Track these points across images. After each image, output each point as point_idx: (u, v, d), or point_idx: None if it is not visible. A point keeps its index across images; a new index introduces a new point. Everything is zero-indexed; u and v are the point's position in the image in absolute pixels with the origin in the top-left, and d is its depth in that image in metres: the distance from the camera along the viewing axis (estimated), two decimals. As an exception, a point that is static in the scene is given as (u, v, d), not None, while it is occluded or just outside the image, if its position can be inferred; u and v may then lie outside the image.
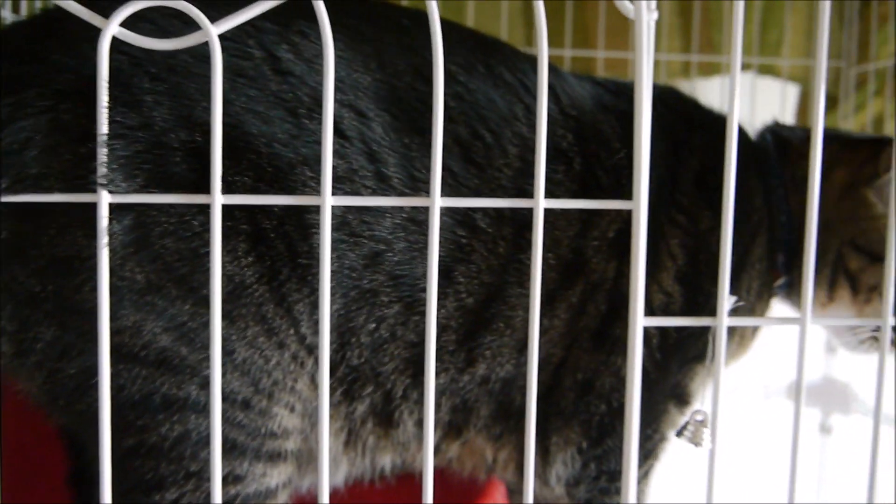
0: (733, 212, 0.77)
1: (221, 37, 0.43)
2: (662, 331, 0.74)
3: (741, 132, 0.86)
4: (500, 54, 0.73)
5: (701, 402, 0.79)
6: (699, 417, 0.58)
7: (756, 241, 0.81)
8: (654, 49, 1.53)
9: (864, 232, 0.84)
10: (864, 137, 0.93)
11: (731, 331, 0.80)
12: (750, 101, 1.46)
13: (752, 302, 0.82)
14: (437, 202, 0.49)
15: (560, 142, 0.72)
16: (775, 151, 0.86)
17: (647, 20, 0.52)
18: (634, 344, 0.52)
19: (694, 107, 0.85)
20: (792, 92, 1.48)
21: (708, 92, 1.57)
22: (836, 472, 1.58)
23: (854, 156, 0.85)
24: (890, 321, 0.58)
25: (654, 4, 0.52)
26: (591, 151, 0.72)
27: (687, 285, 0.74)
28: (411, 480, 0.91)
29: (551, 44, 1.39)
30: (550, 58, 1.49)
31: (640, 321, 0.53)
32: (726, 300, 0.54)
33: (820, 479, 1.61)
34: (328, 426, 0.49)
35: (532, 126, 0.70)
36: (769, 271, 0.84)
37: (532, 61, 0.75)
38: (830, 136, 0.85)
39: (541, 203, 0.50)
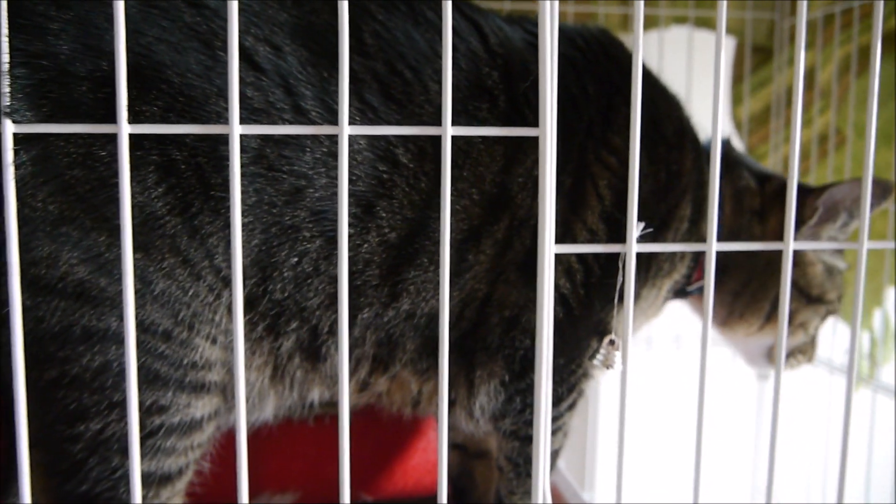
0: (668, 170, 0.80)
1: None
2: (586, 266, 0.76)
3: (693, 128, 0.88)
4: None
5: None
6: (611, 339, 0.60)
7: (684, 202, 0.83)
8: (593, 1, 1.53)
9: (803, 274, 0.91)
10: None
11: (653, 284, 0.83)
12: (687, 53, 1.48)
13: (674, 262, 0.84)
14: (346, 130, 0.50)
15: (485, 80, 0.72)
16: (721, 164, 0.89)
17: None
18: (544, 270, 0.53)
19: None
20: (728, 45, 1.50)
21: (646, 45, 1.59)
22: (786, 420, 1.64)
23: (780, 202, 0.89)
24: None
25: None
26: (518, 90, 0.72)
27: (612, 224, 0.76)
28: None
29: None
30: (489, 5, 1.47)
31: (550, 248, 0.54)
32: (634, 227, 0.55)
33: (758, 424, 1.67)
34: (243, 359, 0.50)
35: (454, 63, 0.70)
36: (693, 264, 0.87)
37: (460, 2, 0.75)
38: (765, 177, 0.90)
39: (448, 130, 0.51)
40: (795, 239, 0.89)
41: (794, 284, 0.92)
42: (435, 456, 0.94)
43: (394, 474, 1.01)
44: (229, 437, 0.74)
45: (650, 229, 0.60)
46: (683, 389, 1.63)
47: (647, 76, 0.87)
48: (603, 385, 1.68)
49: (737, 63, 1.53)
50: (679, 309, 1.18)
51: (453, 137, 0.69)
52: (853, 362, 0.64)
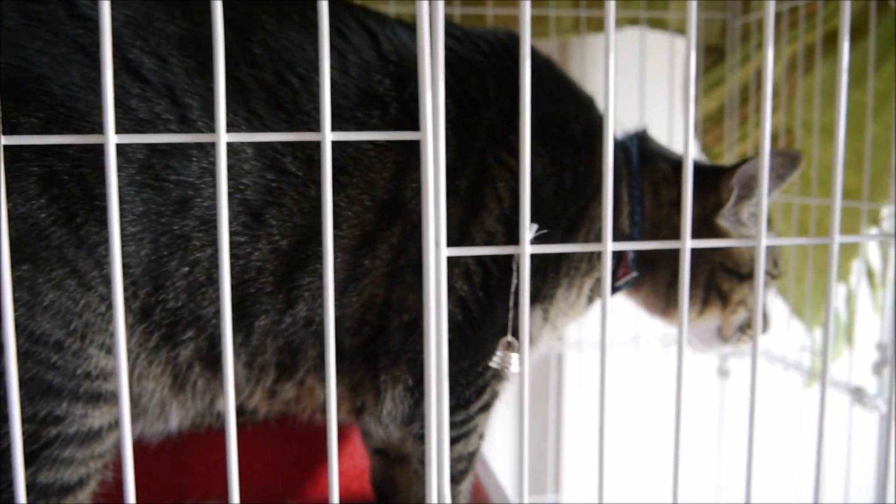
0: (575, 171, 0.80)
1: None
2: (485, 269, 0.76)
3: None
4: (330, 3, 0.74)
5: (542, 344, 0.83)
6: (507, 341, 0.60)
7: (596, 203, 0.83)
8: (544, 4, 1.53)
9: (730, 255, 0.90)
10: (704, 167, 0.97)
11: (571, 283, 0.83)
12: (640, 54, 1.48)
13: (593, 261, 0.85)
14: (223, 137, 0.50)
15: (377, 87, 0.72)
16: (638, 157, 0.89)
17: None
18: (430, 273, 0.53)
19: (545, 66, 0.87)
20: (680, 45, 1.51)
21: (598, 48, 1.60)
22: (735, 414, 1.65)
23: (698, 189, 0.89)
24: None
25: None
26: (411, 97, 0.73)
27: (511, 227, 0.76)
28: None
29: (508, 4, 1.40)
30: (508, 17, 1.47)
31: (441, 251, 0.55)
32: (527, 229, 0.55)
33: (720, 421, 1.67)
34: (126, 366, 0.50)
35: (343, 71, 0.71)
36: (617, 261, 0.88)
37: (356, 10, 0.76)
38: (679, 167, 0.90)
39: (327, 136, 0.51)
40: (722, 218, 0.91)
41: (723, 266, 0.92)
42: (363, 461, 0.94)
43: (320, 480, 1.01)
44: (133, 446, 0.74)
45: (544, 231, 0.60)
46: (644, 390, 1.63)
47: (556, 77, 0.88)
48: (569, 386, 1.68)
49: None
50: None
51: (343, 145, 0.70)
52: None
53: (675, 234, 0.88)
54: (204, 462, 0.93)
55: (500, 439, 1.64)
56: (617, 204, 0.87)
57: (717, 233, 0.91)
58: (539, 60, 0.87)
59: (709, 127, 1.55)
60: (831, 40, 1.26)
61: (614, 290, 0.92)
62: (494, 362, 0.59)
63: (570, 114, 0.83)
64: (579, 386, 1.66)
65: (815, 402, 1.35)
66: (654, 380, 1.59)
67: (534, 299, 0.80)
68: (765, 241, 0.60)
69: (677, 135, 1.47)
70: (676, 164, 0.92)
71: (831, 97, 1.26)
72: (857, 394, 1.20)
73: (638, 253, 0.90)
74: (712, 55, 1.50)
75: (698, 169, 0.93)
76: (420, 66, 0.52)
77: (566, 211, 0.80)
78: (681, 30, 1.49)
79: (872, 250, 1.20)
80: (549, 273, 0.80)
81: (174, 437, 0.79)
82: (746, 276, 0.93)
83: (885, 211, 1.14)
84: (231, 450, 0.52)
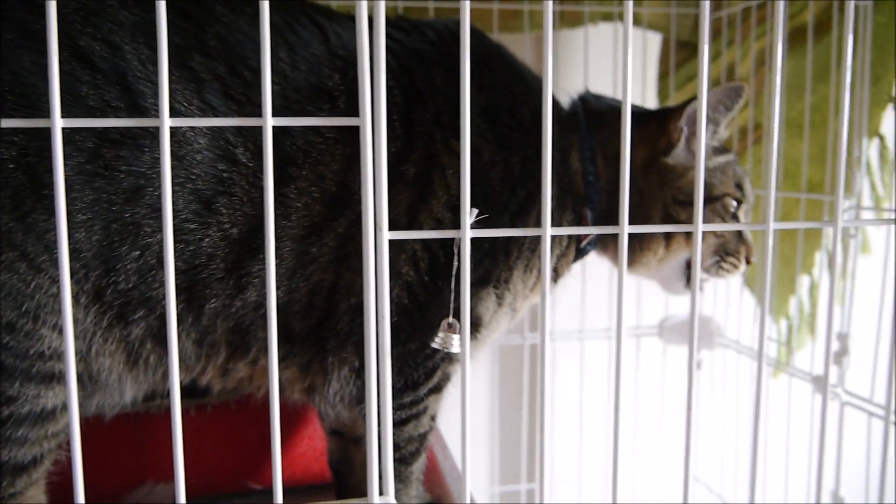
0: (524, 155, 0.82)
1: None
2: (432, 254, 0.78)
3: (553, 99, 0.91)
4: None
5: (492, 326, 0.84)
6: (448, 322, 0.61)
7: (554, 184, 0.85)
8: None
9: (680, 189, 0.92)
10: (650, 111, 0.99)
11: (527, 266, 0.85)
12: (612, 50, 1.50)
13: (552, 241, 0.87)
14: (167, 122, 0.51)
15: (326, 81, 0.74)
16: (585, 120, 0.91)
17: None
18: (370, 256, 0.55)
19: (494, 51, 0.89)
20: (653, 40, 1.53)
21: (572, 43, 1.61)
22: (708, 405, 1.67)
23: (646, 131, 0.91)
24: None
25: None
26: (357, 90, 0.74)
27: (459, 212, 0.77)
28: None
29: None
30: (449, 10, 1.48)
31: (384, 236, 0.56)
32: (468, 214, 0.57)
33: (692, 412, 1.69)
34: (73, 346, 0.51)
35: (294, 65, 0.73)
36: (572, 209, 0.89)
37: (308, 6, 0.77)
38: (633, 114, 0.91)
39: (269, 121, 0.53)
40: (671, 158, 0.92)
41: (675, 200, 0.92)
42: (322, 443, 0.96)
43: (281, 462, 1.02)
44: (89, 427, 0.76)
45: (485, 215, 0.62)
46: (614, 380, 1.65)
47: (505, 63, 0.89)
48: (559, 378, 1.70)
49: (663, 59, 1.55)
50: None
51: (294, 138, 0.72)
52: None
53: (632, 186, 0.90)
54: (164, 443, 0.95)
55: (474, 428, 1.66)
56: (568, 172, 0.89)
57: (667, 171, 0.93)
58: (488, 48, 0.88)
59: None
60: (797, 37, 1.28)
61: (581, 252, 0.94)
62: (436, 343, 0.61)
63: (518, 99, 0.84)
64: (552, 376, 1.68)
65: (780, 392, 1.37)
66: (628, 370, 1.61)
67: (485, 282, 0.82)
68: (701, 227, 0.62)
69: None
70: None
71: (797, 92, 1.28)
72: (819, 382, 1.22)
73: (597, 212, 0.91)
74: (684, 50, 1.51)
75: (645, 113, 0.94)
76: (359, 53, 0.53)
77: (515, 195, 0.82)
78: (654, 25, 1.51)
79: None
80: (499, 257, 0.82)
81: (133, 417, 0.80)
82: (707, 201, 0.94)
83: (847, 203, 1.16)
84: (176, 425, 0.53)
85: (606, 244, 0.96)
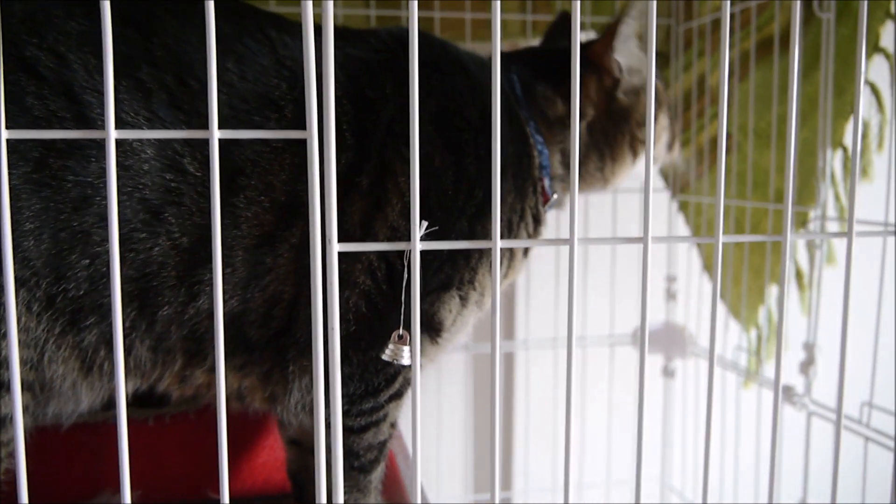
0: (477, 155, 0.83)
1: None
2: (388, 263, 0.78)
3: (513, 106, 0.92)
4: (231, 9, 0.76)
5: (454, 329, 0.84)
6: (399, 334, 0.61)
7: (508, 176, 0.86)
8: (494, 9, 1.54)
9: (637, 123, 1.01)
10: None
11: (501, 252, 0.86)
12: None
13: (516, 230, 0.88)
14: (113, 134, 0.51)
15: (273, 91, 0.74)
16: (522, 92, 0.93)
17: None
18: (317, 269, 0.55)
19: (440, 52, 0.89)
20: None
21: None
22: (679, 413, 1.68)
23: (586, 81, 0.94)
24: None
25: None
26: (304, 99, 0.74)
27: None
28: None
29: (390, 5, 1.41)
30: (390, 18, 1.49)
31: (334, 248, 0.56)
32: (417, 226, 0.57)
33: (665, 421, 1.70)
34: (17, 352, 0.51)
35: (241, 76, 0.73)
36: (536, 198, 0.91)
37: (257, 16, 0.78)
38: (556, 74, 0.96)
39: (215, 134, 0.53)
40: (622, 92, 0.98)
41: (638, 124, 1.00)
42: (283, 453, 0.95)
43: (241, 472, 1.02)
44: (48, 436, 0.76)
45: (435, 227, 0.62)
46: (590, 389, 1.66)
47: (451, 61, 0.89)
48: (519, 385, 1.71)
49: (636, 68, 1.56)
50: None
51: (241, 148, 0.72)
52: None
53: (596, 128, 0.97)
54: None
55: (449, 438, 1.66)
56: (528, 150, 0.92)
57: (624, 106, 0.99)
58: (433, 48, 0.89)
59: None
60: (764, 47, 1.30)
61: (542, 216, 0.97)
62: (386, 355, 0.61)
63: (466, 100, 0.85)
64: (526, 385, 1.68)
65: (750, 402, 1.38)
66: (600, 379, 1.62)
67: (447, 287, 0.82)
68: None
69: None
70: (553, 80, 0.96)
71: (765, 102, 1.29)
72: (787, 392, 1.23)
73: (550, 178, 0.95)
74: (656, 61, 1.52)
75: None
76: (305, 66, 0.53)
77: (472, 196, 0.82)
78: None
79: (802, 253, 1.23)
80: (459, 261, 0.82)
81: (91, 426, 0.80)
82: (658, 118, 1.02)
83: (811, 214, 1.17)
84: (122, 433, 0.53)
85: (562, 203, 1.01)
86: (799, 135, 1.19)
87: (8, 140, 0.51)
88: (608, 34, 0.96)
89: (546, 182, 0.94)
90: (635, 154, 1.02)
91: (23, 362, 0.68)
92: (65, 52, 0.66)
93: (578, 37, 0.58)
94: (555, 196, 0.97)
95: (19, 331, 0.66)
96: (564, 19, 1.12)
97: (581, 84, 0.91)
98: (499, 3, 0.56)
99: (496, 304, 0.60)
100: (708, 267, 1.50)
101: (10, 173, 0.62)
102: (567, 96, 0.95)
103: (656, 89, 1.02)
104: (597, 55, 0.98)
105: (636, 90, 1.00)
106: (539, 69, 0.98)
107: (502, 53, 1.03)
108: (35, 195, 0.65)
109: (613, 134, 0.99)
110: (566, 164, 0.96)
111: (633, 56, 0.99)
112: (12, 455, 0.69)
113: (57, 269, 0.68)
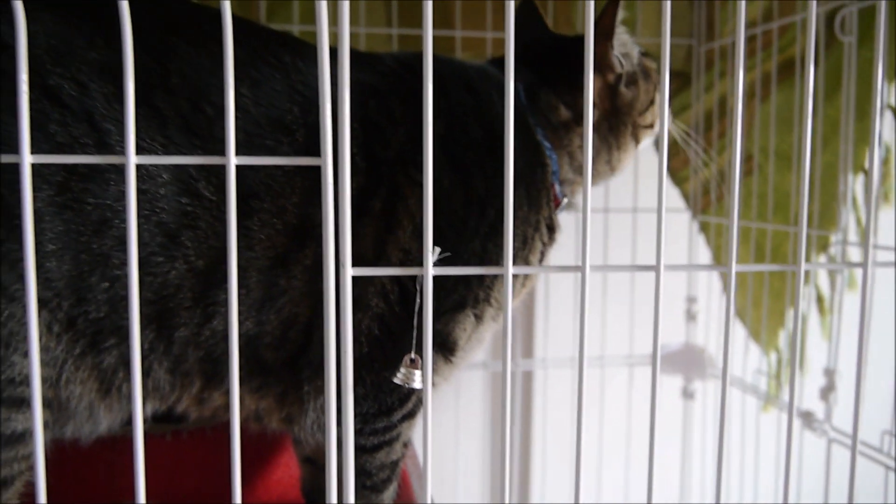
0: (485, 174, 0.83)
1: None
2: (402, 286, 0.78)
3: (526, 119, 0.93)
4: (248, 34, 0.77)
5: (469, 349, 0.85)
6: (411, 358, 0.62)
7: (521, 188, 0.87)
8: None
9: (640, 113, 1.02)
10: (570, 57, 1.00)
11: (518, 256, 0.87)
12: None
13: (531, 242, 0.88)
14: (133, 160, 0.53)
15: (285, 116, 0.75)
16: (527, 99, 0.93)
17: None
18: (330, 292, 0.55)
19: (446, 71, 0.89)
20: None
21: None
22: (699, 435, 1.66)
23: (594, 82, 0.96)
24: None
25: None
26: (315, 123, 0.75)
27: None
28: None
29: (412, 24, 1.42)
30: (412, 37, 1.51)
31: (348, 272, 0.57)
32: (430, 252, 0.57)
33: (684, 443, 1.68)
34: (38, 373, 0.52)
35: (255, 101, 0.74)
36: (549, 206, 0.93)
37: (277, 41, 0.79)
38: (559, 81, 0.97)
39: (232, 160, 0.54)
40: (625, 85, 0.99)
41: (640, 112, 1.01)
42: (298, 471, 0.96)
43: (256, 488, 1.03)
44: (67, 451, 0.77)
45: (447, 254, 0.62)
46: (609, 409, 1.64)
47: (456, 78, 0.89)
48: (537, 404, 1.70)
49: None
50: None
51: (255, 172, 0.73)
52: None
53: (600, 122, 0.99)
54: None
55: (465, 456, 1.66)
56: (541, 159, 0.93)
57: (626, 101, 1.00)
58: (440, 68, 0.89)
59: (675, 150, 1.57)
60: (786, 69, 1.29)
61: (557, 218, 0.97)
62: (398, 378, 0.62)
63: (472, 119, 0.85)
64: (544, 404, 1.67)
65: (771, 425, 1.36)
66: (619, 399, 1.61)
67: (461, 307, 0.83)
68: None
69: (645, 156, 1.49)
70: (556, 86, 0.97)
71: (787, 124, 1.29)
72: (807, 418, 1.21)
73: (560, 183, 0.96)
74: (677, 80, 1.52)
75: (575, 60, 0.96)
76: (320, 93, 0.54)
77: (484, 216, 0.83)
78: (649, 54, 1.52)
79: (823, 277, 1.21)
80: (472, 280, 0.83)
81: (108, 440, 0.81)
82: (651, 103, 1.04)
83: (833, 238, 1.16)
84: (138, 454, 0.54)
85: (573, 205, 1.02)
86: (820, 158, 1.19)
87: (32, 164, 0.52)
88: (604, 30, 0.95)
89: (556, 188, 0.95)
90: (637, 141, 1.04)
91: (42, 380, 0.70)
92: (86, 81, 0.68)
93: (592, 51, 0.58)
94: (565, 200, 0.97)
95: (39, 350, 0.68)
96: (526, 4, 1.11)
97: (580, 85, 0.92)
98: (512, 10, 0.57)
99: (508, 329, 0.60)
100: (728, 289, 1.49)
101: (34, 196, 0.65)
102: (570, 104, 0.95)
103: (646, 67, 1.05)
104: (599, 55, 0.97)
105: (634, 79, 1.01)
106: (541, 73, 0.98)
107: (497, 59, 1.04)
108: (58, 217, 0.67)
109: (618, 126, 1.00)
110: (574, 168, 0.97)
111: (622, 43, 0.99)
112: (31, 468, 0.70)
113: (78, 291, 0.69)
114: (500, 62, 1.00)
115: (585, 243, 0.61)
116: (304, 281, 0.76)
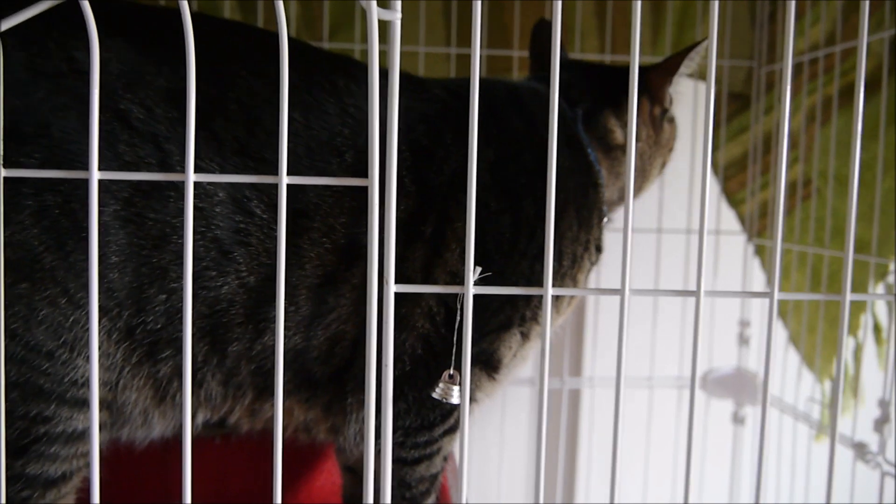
0: (534, 197, 0.84)
1: (13, 33, 0.51)
2: (447, 308, 0.80)
3: (575, 139, 0.94)
4: (305, 60, 0.80)
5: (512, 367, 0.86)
6: (450, 374, 0.63)
7: (571, 210, 0.89)
8: (573, 49, 1.57)
9: (666, 144, 1.09)
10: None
11: (554, 297, 0.88)
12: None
13: (580, 262, 0.89)
14: (192, 178, 0.56)
15: (335, 138, 0.78)
16: (584, 121, 0.95)
17: (389, 19, 0.57)
18: (373, 309, 0.57)
19: (498, 95, 0.92)
20: (703, 91, 1.52)
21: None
22: (749, 461, 1.63)
23: (640, 108, 1.01)
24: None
25: (398, 4, 0.57)
26: (364, 145, 0.78)
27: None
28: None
29: (469, 43, 1.45)
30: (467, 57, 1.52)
31: (391, 289, 0.59)
32: (471, 271, 0.59)
33: (733, 468, 1.65)
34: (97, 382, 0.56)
35: (307, 125, 0.77)
36: (600, 227, 0.97)
37: (333, 64, 0.81)
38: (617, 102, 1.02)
39: (284, 179, 0.57)
40: (668, 120, 1.07)
41: (669, 149, 1.10)
42: (340, 478, 0.98)
43: (299, 494, 1.06)
44: (122, 451, 0.80)
45: (489, 273, 0.64)
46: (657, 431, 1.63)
47: (509, 101, 0.91)
48: (584, 423, 1.69)
49: (716, 110, 1.55)
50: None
51: (305, 192, 0.76)
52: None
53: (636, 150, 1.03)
54: (192, 467, 0.99)
55: (509, 473, 1.66)
56: (593, 180, 0.96)
57: (665, 136, 1.08)
58: (493, 92, 0.91)
59: (732, 173, 1.55)
60: (848, 93, 1.27)
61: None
62: (436, 394, 0.63)
63: (523, 144, 0.87)
64: (590, 423, 1.67)
65: (823, 455, 1.33)
66: (668, 421, 1.59)
67: (508, 326, 0.84)
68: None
69: (698, 178, 1.48)
70: (616, 109, 1.01)
71: (847, 148, 1.26)
72: (860, 449, 1.18)
73: (608, 202, 1.00)
74: (736, 102, 1.51)
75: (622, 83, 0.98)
76: (369, 117, 0.56)
77: (533, 238, 0.84)
78: (704, 75, 1.51)
79: (881, 305, 1.18)
80: (518, 299, 0.84)
81: (163, 443, 0.85)
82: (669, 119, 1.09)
83: (892, 266, 1.13)
84: (186, 463, 0.57)
85: (612, 221, 1.07)
86: (881, 184, 1.16)
87: (100, 180, 0.56)
88: (670, 66, 0.98)
89: (604, 209, 0.99)
90: (660, 172, 1.11)
91: (103, 382, 0.74)
92: (152, 106, 0.72)
93: (636, 79, 0.59)
94: (606, 220, 1.01)
95: (100, 353, 0.72)
96: (542, 27, 1.12)
97: (637, 108, 0.93)
98: (558, 35, 0.58)
99: (545, 349, 0.61)
100: (782, 314, 1.46)
101: (101, 210, 0.69)
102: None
103: (668, 134, 1.10)
104: (655, 85, 1.01)
105: (671, 120, 1.08)
106: (601, 98, 1.01)
107: (543, 75, 1.06)
108: (122, 230, 0.71)
109: (653, 157, 1.06)
110: (618, 189, 1.02)
111: (676, 84, 1.04)
112: (89, 465, 0.74)
113: (138, 302, 0.73)
114: (546, 78, 1.02)
115: (626, 267, 0.62)
116: (352, 300, 0.78)
